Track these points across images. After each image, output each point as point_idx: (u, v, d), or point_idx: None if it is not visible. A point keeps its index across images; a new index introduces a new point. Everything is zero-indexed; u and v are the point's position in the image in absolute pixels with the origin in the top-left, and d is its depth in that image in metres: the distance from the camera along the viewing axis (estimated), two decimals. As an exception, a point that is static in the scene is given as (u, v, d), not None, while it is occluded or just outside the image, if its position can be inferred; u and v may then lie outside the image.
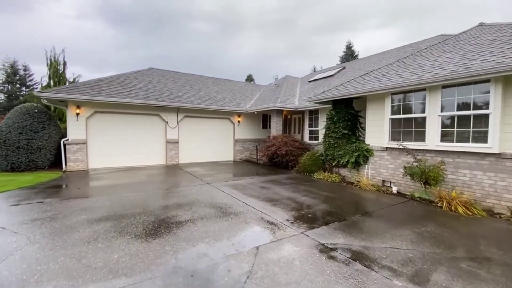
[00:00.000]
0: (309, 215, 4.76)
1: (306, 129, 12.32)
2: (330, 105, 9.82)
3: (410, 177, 6.23)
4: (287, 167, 10.65)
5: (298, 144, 10.78)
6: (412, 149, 6.43)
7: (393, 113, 7.01)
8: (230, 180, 8.13)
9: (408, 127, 6.72)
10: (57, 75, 17.34)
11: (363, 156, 7.83)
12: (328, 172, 8.83)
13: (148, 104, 10.75)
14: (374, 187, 7.12)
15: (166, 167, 11.13)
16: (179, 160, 12.15)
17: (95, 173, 9.39)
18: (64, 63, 20.75)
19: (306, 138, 12.24)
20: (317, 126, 11.73)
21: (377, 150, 7.58)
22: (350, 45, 42.90)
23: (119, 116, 10.77)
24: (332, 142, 8.76)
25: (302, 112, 13.90)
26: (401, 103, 6.83)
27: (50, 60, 21.47)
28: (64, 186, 7.14)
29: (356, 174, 8.08)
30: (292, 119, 15.54)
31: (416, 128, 6.53)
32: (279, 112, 12.20)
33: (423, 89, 6.28)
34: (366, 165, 7.84)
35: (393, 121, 7.04)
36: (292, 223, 4.34)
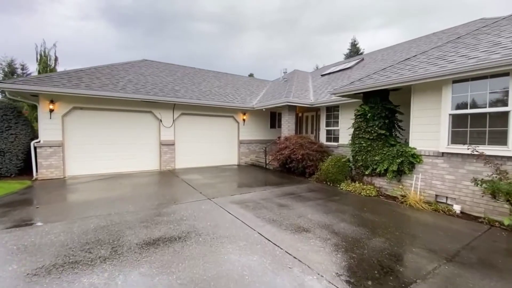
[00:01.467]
0: (365, 262, 3.03)
1: (323, 128, 10.58)
2: (356, 100, 8.13)
3: (490, 195, 4.48)
4: (303, 174, 8.92)
5: (316, 147, 9.04)
6: (488, 156, 4.69)
7: (455, 107, 5.27)
8: (237, 193, 6.40)
9: (477, 125, 4.98)
10: (47, 70, 15.77)
11: (408, 163, 6.09)
12: (358, 182, 7.09)
13: (138, 99, 9.03)
14: (428, 205, 5.39)
15: (160, 173, 9.41)
16: (175, 165, 10.43)
17: (71, 182, 7.68)
18: (56, 59, 19.21)
19: (322, 139, 10.50)
20: (336, 125, 10.00)
21: (428, 155, 5.84)
22: (355, 42, 41.19)
23: (103, 113, 9.05)
24: (364, 144, 7.02)
25: (316, 109, 12.18)
26: (468, 93, 5.09)
27: (40, 54, 19.84)
28: (21, 202, 5.42)
29: (397, 186, 6.34)
30: (303, 117, 13.81)
31: (492, 128, 4.79)
32: (291, 108, 10.46)
33: (506, 74, 4.54)
34: (412, 175, 6.10)
35: (454, 118, 5.30)
36: (348, 283, 2.61)
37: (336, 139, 10.03)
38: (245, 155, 12.32)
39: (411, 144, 6.25)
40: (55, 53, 18.92)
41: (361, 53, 37.18)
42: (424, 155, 5.93)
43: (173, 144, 10.30)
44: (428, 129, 5.89)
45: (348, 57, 37.87)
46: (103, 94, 8.36)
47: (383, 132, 6.66)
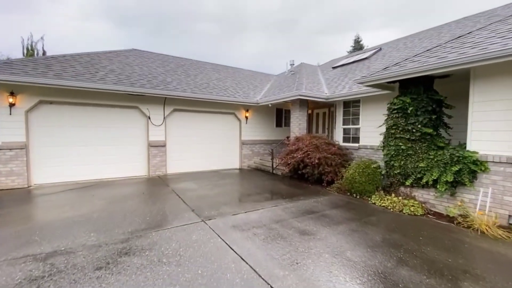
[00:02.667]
0: None
1: (339, 127, 9.06)
2: (384, 91, 6.67)
3: None
4: (319, 182, 7.41)
5: (335, 149, 7.52)
6: None
7: (549, 95, 3.75)
8: (241, 211, 4.88)
9: None
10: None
11: (468, 172, 4.58)
12: (393, 195, 5.57)
13: (121, 91, 7.51)
14: (507, 233, 3.88)
15: (147, 181, 7.89)
16: (167, 169, 8.92)
17: (34, 194, 6.18)
18: (44, 53, 18.15)
19: (338, 140, 8.98)
20: (355, 123, 8.48)
21: (498, 162, 4.33)
22: (359, 39, 39.79)
23: (78, 108, 7.53)
24: (402, 147, 5.50)
25: (329, 106, 10.67)
26: None
27: (27, 48, 18.38)
28: None
29: (451, 202, 4.83)
30: (313, 115, 12.29)
31: None
32: (303, 103, 8.94)
33: None
34: (474, 188, 4.59)
35: (546, 110, 3.78)
36: None
37: (355, 140, 8.51)
38: (248, 157, 10.80)
39: (470, 147, 4.73)
40: (42, 47, 17.75)
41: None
42: (491, 161, 4.42)
43: (164, 146, 8.78)
44: (497, 126, 4.38)
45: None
46: (77, 85, 6.84)
47: (429, 131, 5.15)
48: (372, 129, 7.77)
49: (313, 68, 14.05)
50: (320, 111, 11.66)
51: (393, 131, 5.72)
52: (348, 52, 38.86)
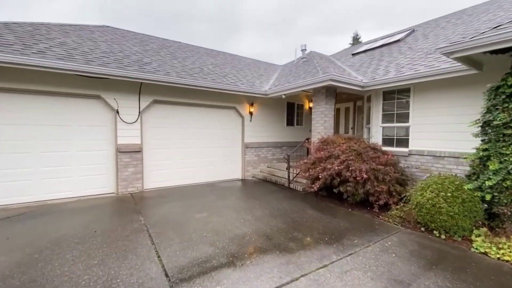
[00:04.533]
0: None
1: (377, 125, 6.79)
2: (457, 73, 4.45)
3: None
4: (363, 204, 5.11)
5: (388, 158, 5.22)
6: None
7: None
8: (269, 282, 2.51)
9: None
10: None
11: None
12: (505, 236, 3.30)
13: (68, 70, 5.02)
14: None
15: (112, 204, 5.43)
16: (143, 184, 6.46)
17: None
18: None
19: (375, 143, 6.70)
20: (403, 120, 6.23)
21: None
22: (358, 37, 38.20)
23: (5, 96, 5.02)
24: (536, 158, 3.23)
25: (355, 98, 8.41)
26: None
27: None
28: None
29: None
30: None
31: None
32: (330, 94, 6.63)
33: None
34: None
35: None
36: None
37: (401, 143, 6.25)
38: (253, 164, 8.41)
39: None
40: None
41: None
42: None
43: (140, 151, 6.32)
44: None
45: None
46: (-7, 58, 4.33)
47: None
48: (431, 128, 5.58)
49: (326, 57, 11.76)
50: (341, 106, 9.39)
51: (510, 132, 3.45)
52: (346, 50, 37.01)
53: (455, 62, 4.87)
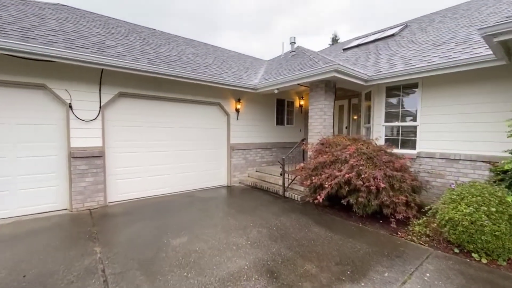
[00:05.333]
0: None
1: (379, 124, 6.12)
2: (471, 66, 3.85)
3: None
4: (374, 217, 4.35)
5: (403, 162, 4.50)
6: None
7: None
8: None
9: None
10: None
11: None
12: None
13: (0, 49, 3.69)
14: None
15: (61, 226, 4.16)
16: (107, 196, 5.20)
17: None
18: None
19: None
20: (409, 118, 5.61)
21: None
22: (336, 38, 38.65)
23: None
24: None
25: (350, 96, 7.73)
26: None
27: None
28: None
29: None
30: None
31: None
32: (330, 88, 5.83)
33: None
34: None
35: None
36: None
37: (408, 144, 5.62)
38: (240, 169, 7.41)
39: None
40: None
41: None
42: None
43: (101, 156, 5.05)
44: None
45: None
46: None
47: None
48: (443, 127, 5.01)
49: (315, 52, 11.07)
50: (335, 104, 8.65)
51: None
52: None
53: (477, 52, 4.27)
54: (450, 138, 4.95)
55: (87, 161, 4.90)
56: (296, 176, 5.80)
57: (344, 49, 10.05)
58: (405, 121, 5.72)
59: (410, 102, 5.66)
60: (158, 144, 5.99)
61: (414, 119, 5.54)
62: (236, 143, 7.26)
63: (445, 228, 3.38)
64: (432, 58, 4.97)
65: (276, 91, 6.58)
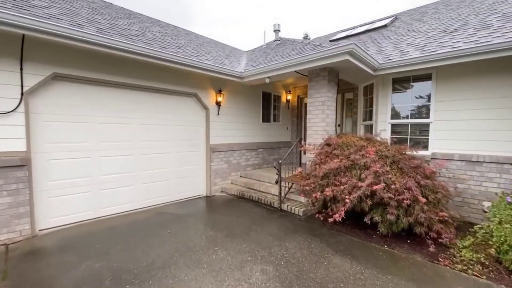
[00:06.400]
0: None
1: (384, 122, 5.37)
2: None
3: None
4: (400, 235, 3.49)
5: (433, 169, 3.68)
6: None
7: None
8: None
9: None
10: None
11: None
12: None
13: None
14: None
15: None
16: (36, 223, 3.62)
17: None
18: None
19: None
20: (422, 114, 4.91)
21: None
22: (308, 37, 39.05)
23: None
24: None
25: (344, 91, 6.92)
26: None
27: None
28: None
29: None
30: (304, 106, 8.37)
31: None
32: (333, 76, 4.87)
33: None
34: None
35: None
36: None
37: (418, 144, 4.91)
38: (222, 175, 6.17)
39: None
40: None
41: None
42: None
43: (24, 165, 3.46)
44: None
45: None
46: None
47: None
48: (462, 125, 4.43)
49: (306, 40, 10.16)
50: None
51: None
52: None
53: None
54: (471, 137, 4.31)
55: (2, 174, 3.29)
56: (293, 184, 4.78)
57: (331, 40, 9.28)
58: (416, 118, 5.02)
59: (421, 96, 4.96)
60: (116, 146, 4.50)
61: (427, 115, 4.85)
62: (217, 144, 6.00)
63: (508, 256, 2.60)
64: (455, 44, 4.27)
65: (267, 80, 5.45)
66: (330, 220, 3.44)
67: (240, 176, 6.50)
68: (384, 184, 3.17)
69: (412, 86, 5.06)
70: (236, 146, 6.41)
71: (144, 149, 4.88)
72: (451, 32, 4.97)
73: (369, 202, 3.36)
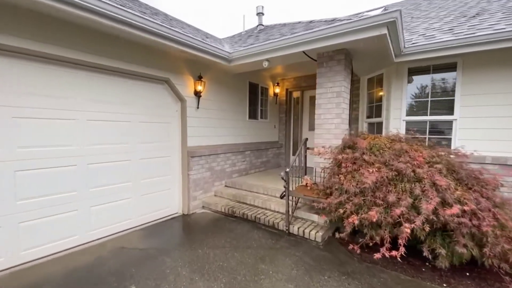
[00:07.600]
0: None
1: (398, 119, 4.61)
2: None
3: None
4: (462, 268, 2.63)
5: (497, 180, 2.89)
6: None
7: None
8: None
9: None
10: None
11: None
12: None
13: None
14: None
15: None
16: None
17: None
18: None
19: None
20: (444, 110, 4.22)
21: None
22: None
23: None
24: None
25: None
26: None
27: None
28: None
29: None
30: (294, 101, 7.38)
31: None
32: (348, 61, 3.91)
33: None
34: None
35: None
36: None
37: (439, 144, 4.21)
38: (204, 185, 4.81)
39: None
40: None
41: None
42: None
43: None
44: None
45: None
46: None
47: None
48: (495, 123, 3.91)
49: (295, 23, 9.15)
50: (311, 94, 6.80)
51: None
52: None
53: None
54: (507, 137, 3.70)
55: None
56: (299, 198, 3.71)
57: (318, 31, 8.45)
58: (436, 115, 4.31)
59: (444, 89, 4.27)
60: (47, 152, 2.92)
61: (450, 112, 4.17)
62: (196, 146, 4.64)
63: None
64: (494, 26, 3.59)
65: (265, 64, 4.23)
66: (377, 255, 2.43)
67: (226, 186, 5.22)
68: (459, 207, 2.24)
69: (432, 77, 4.35)
70: (220, 149, 5.11)
71: (92, 156, 3.34)
72: (473, 17, 4.36)
73: (427, 228, 2.42)
